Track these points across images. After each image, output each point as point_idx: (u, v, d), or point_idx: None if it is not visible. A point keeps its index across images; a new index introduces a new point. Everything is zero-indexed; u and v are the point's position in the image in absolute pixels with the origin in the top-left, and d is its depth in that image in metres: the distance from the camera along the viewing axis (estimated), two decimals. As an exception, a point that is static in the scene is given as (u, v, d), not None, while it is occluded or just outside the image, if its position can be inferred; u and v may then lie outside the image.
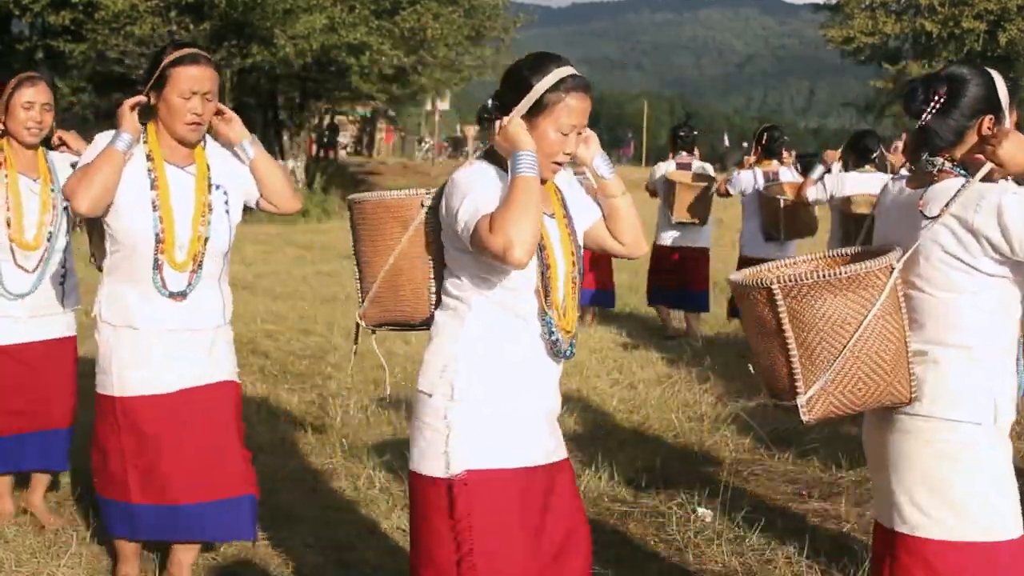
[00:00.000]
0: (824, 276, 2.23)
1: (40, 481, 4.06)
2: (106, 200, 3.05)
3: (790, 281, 2.24)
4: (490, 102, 2.42)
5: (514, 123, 2.30)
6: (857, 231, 6.37)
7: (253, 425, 5.33)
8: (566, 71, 2.32)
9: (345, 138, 38.37)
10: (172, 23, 19.57)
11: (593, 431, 5.43)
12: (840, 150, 6.76)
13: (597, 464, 4.76)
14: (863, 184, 6.32)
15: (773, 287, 2.25)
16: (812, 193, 6.63)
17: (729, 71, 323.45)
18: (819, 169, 6.70)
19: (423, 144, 37.89)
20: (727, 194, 7.88)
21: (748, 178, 7.61)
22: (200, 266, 3.13)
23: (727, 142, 25.80)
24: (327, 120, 33.34)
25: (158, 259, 3.07)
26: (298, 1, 19.28)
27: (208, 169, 3.18)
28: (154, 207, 3.07)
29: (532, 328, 2.38)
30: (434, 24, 21.60)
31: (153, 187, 3.08)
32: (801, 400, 2.27)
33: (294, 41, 19.62)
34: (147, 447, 3.17)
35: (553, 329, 2.36)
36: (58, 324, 3.91)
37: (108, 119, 22.16)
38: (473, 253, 2.31)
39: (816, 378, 2.26)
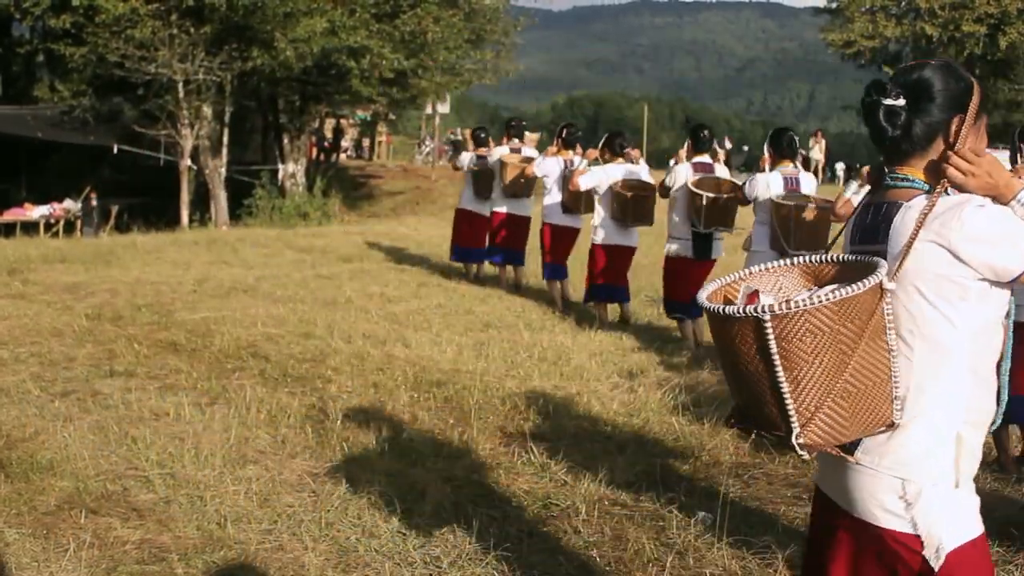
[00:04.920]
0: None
1: None
2: None
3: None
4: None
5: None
6: (628, 210, 8.19)
7: (253, 428, 5.34)
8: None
9: (345, 141, 38.38)
10: (173, 27, 19.60)
11: (593, 434, 5.43)
12: (599, 147, 8.63)
13: (597, 467, 4.76)
14: (623, 173, 8.30)
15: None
16: (583, 182, 8.31)
17: (729, 74, 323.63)
18: (583, 162, 8.85)
19: (423, 147, 37.95)
20: (533, 176, 9.50)
21: (552, 164, 9.25)
22: None
23: (729, 145, 25.75)
24: (332, 123, 33.36)
25: None
26: (298, 4, 19.32)
27: None
28: None
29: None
30: (434, 27, 21.64)
31: None
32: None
33: (294, 44, 19.65)
34: None
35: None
36: None
37: (108, 122, 22.25)
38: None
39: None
